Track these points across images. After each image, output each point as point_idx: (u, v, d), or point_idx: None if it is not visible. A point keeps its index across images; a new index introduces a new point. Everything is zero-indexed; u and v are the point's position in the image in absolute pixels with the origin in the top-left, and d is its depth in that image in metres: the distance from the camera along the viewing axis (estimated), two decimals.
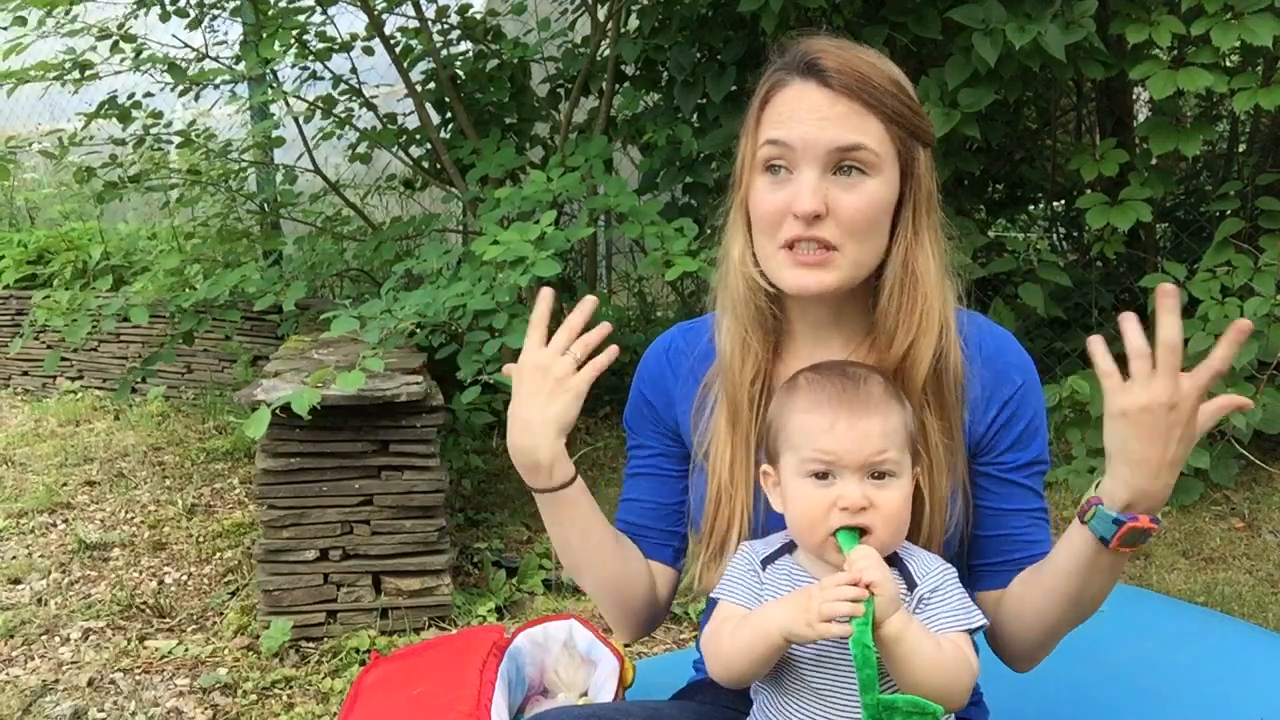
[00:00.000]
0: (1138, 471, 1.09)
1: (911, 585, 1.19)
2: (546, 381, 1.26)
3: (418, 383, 2.76)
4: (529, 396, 1.26)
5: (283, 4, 3.90)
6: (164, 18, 4.00)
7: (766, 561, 1.24)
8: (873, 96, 1.21)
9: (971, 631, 1.19)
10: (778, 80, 1.26)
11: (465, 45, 4.50)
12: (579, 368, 1.27)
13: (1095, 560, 1.15)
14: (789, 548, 1.25)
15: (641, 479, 1.43)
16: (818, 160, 1.20)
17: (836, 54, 1.23)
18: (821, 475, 1.17)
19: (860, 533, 1.15)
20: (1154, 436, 1.07)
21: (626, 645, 2.55)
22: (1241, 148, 4.61)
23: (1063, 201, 4.77)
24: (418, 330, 3.10)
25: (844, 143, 1.20)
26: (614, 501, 1.44)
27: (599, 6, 4.24)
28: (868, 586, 1.08)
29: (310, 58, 4.12)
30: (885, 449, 1.16)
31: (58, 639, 2.86)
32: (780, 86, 1.25)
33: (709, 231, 1.42)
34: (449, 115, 4.36)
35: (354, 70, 4.27)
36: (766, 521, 1.30)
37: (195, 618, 2.95)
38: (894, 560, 1.20)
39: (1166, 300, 1.06)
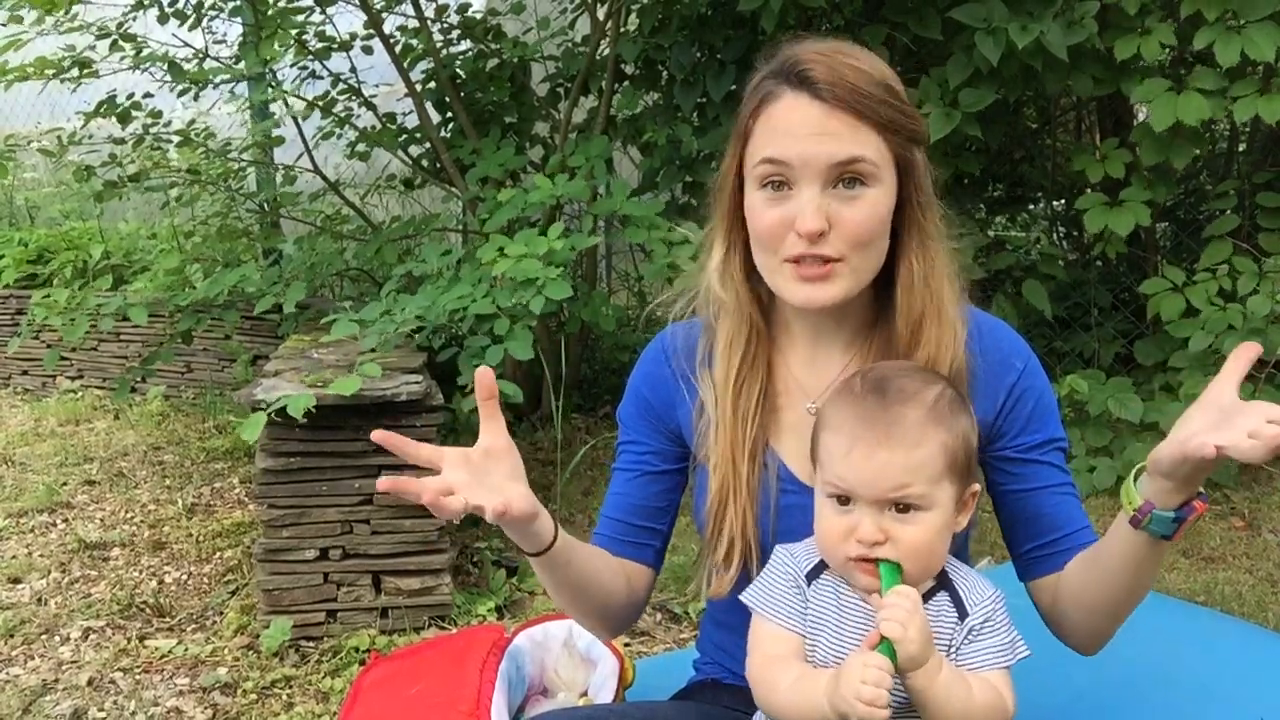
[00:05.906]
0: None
1: (963, 615, 1.14)
2: (476, 465, 1.19)
3: (418, 382, 2.76)
4: (479, 480, 1.17)
5: (282, 3, 3.90)
6: (162, 20, 3.99)
7: (810, 576, 1.18)
8: (866, 107, 1.19)
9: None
10: (768, 92, 1.23)
11: (465, 44, 4.50)
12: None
13: (1154, 554, 1.16)
14: None
15: (631, 476, 1.41)
16: (818, 176, 1.19)
17: (826, 63, 1.20)
18: (842, 500, 1.12)
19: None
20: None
21: (626, 645, 2.55)
22: (1242, 148, 4.61)
23: (1063, 201, 4.76)
24: (417, 332, 3.08)
25: (843, 157, 1.19)
26: None
27: (598, 5, 4.23)
28: (884, 638, 1.03)
29: (309, 57, 4.11)
30: (908, 483, 1.09)
31: (58, 638, 2.86)
32: (772, 99, 1.23)
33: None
34: (449, 115, 4.35)
35: (353, 69, 4.27)
36: (778, 523, 1.29)
37: (195, 617, 2.95)
38: (946, 584, 1.16)
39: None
